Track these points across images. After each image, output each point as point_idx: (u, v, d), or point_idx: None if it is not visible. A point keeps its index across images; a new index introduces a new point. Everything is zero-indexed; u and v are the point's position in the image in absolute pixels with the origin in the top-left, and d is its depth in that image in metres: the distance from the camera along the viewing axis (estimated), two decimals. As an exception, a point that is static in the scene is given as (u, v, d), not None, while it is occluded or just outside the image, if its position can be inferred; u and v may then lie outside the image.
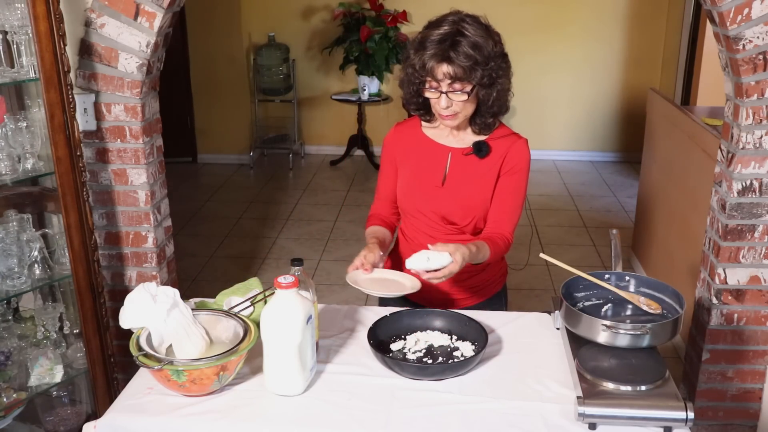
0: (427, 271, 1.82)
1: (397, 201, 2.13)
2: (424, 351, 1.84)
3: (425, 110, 2.04)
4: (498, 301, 2.23)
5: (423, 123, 2.10)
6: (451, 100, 1.90)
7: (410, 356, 1.82)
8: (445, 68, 1.86)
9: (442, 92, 1.89)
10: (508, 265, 2.29)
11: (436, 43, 1.86)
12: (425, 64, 1.87)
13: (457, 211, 2.03)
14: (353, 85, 6.48)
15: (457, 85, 1.88)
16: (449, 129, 2.05)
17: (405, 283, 1.95)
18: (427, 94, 1.94)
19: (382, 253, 2.01)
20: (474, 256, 1.89)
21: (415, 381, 1.74)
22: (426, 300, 2.11)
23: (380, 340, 1.86)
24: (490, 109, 1.97)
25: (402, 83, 2.02)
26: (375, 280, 1.96)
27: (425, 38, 1.89)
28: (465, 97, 1.90)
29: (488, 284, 2.19)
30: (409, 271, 1.92)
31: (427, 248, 1.85)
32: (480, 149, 2.01)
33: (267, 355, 1.68)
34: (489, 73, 1.89)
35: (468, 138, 2.04)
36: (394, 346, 1.86)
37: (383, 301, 2.17)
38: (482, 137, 2.03)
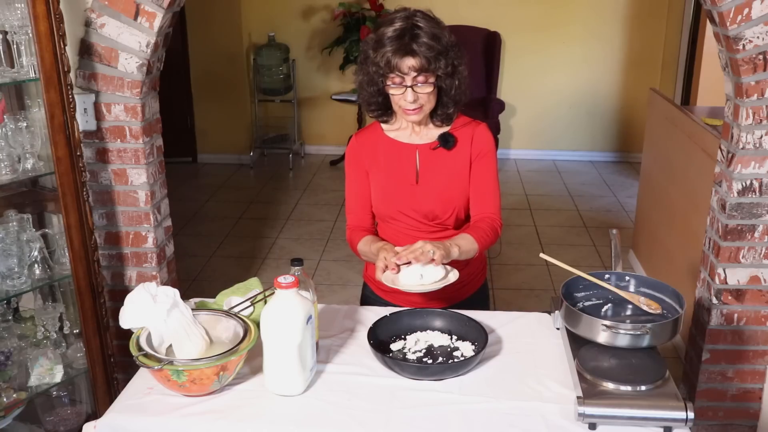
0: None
1: (374, 207, 2.12)
2: (424, 351, 1.84)
3: (384, 110, 2.04)
4: (483, 294, 2.25)
5: (383, 126, 2.09)
6: (416, 94, 1.91)
7: (410, 356, 1.82)
8: (409, 61, 1.87)
9: (407, 86, 1.90)
10: (487, 257, 2.31)
11: (395, 39, 1.86)
12: (390, 61, 1.87)
13: (437, 205, 2.04)
14: (353, 85, 6.45)
15: (421, 78, 1.89)
16: (411, 127, 2.05)
17: (443, 272, 1.91)
18: (392, 91, 1.93)
19: (397, 250, 1.96)
20: (457, 243, 1.94)
21: (415, 381, 1.74)
22: (410, 302, 2.12)
23: (380, 340, 1.86)
24: (453, 98, 1.98)
25: (361, 85, 2.01)
26: (410, 276, 1.90)
27: (382, 36, 1.89)
28: (430, 88, 1.91)
29: (472, 278, 2.20)
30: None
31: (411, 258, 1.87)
32: (446, 141, 2.03)
33: (267, 355, 1.68)
34: (451, 62, 1.91)
35: (431, 133, 2.05)
36: (394, 346, 1.86)
37: (367, 301, 2.20)
38: (444, 129, 2.04)
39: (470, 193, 2.06)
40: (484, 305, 2.25)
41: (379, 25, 1.94)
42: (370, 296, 2.23)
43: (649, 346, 1.71)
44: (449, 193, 2.04)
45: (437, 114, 2.01)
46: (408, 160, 2.06)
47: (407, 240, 2.07)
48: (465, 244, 1.97)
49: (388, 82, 1.92)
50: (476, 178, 2.05)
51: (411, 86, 1.90)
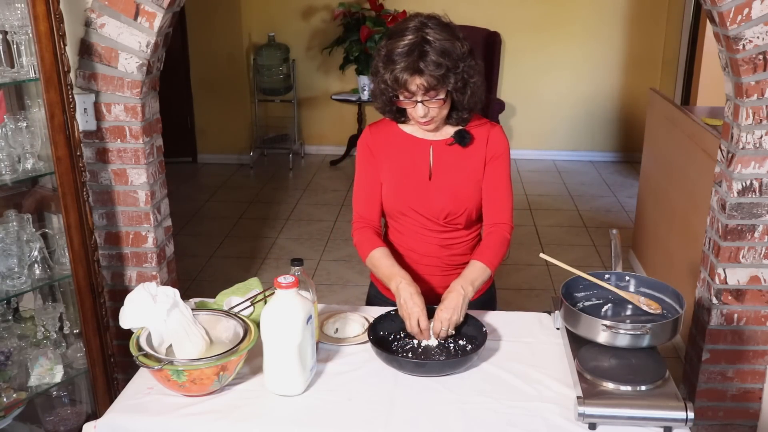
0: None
1: (384, 203, 2.09)
2: (422, 349, 1.85)
3: (398, 114, 2.04)
4: (489, 296, 2.23)
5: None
6: (427, 108, 1.90)
7: (409, 344, 1.85)
8: (417, 81, 1.84)
9: (417, 101, 1.89)
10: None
11: (403, 55, 1.83)
12: (397, 79, 1.85)
13: (450, 203, 2.03)
14: (353, 85, 6.48)
15: (431, 93, 1.87)
16: None
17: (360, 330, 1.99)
18: (403, 105, 1.93)
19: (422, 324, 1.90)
20: (472, 281, 1.93)
21: (415, 381, 1.74)
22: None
23: (381, 337, 1.87)
24: (466, 107, 1.97)
25: (375, 95, 2.00)
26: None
27: (391, 51, 1.86)
28: (440, 102, 1.90)
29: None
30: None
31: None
32: (463, 137, 2.01)
33: (267, 355, 1.68)
34: (461, 76, 1.89)
35: (445, 130, 2.04)
36: (395, 345, 1.86)
37: (372, 301, 2.22)
38: (460, 127, 2.04)
39: (483, 196, 2.05)
40: (491, 307, 2.23)
41: (391, 35, 1.90)
42: (376, 295, 2.22)
43: (649, 346, 1.71)
44: (462, 191, 2.03)
45: (452, 117, 2.00)
46: (421, 155, 2.04)
47: (418, 239, 2.07)
48: (479, 277, 1.96)
49: (400, 97, 1.91)
50: (490, 181, 2.04)
51: (421, 101, 1.88)
